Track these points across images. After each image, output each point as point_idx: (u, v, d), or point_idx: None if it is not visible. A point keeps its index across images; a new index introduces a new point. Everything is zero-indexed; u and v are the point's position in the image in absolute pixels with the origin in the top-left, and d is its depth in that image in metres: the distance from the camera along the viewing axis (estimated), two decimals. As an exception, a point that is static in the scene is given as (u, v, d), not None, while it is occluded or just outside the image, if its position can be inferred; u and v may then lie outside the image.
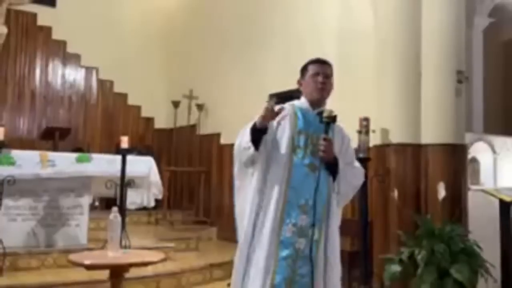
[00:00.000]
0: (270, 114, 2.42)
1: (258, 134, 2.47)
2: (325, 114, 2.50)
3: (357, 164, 2.75)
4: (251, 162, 2.54)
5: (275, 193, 2.49)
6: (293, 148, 2.54)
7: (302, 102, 2.68)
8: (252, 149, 2.47)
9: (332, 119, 2.50)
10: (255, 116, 2.47)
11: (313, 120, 2.58)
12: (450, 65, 4.54)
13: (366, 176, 4.57)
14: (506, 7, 7.17)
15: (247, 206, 2.55)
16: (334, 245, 2.56)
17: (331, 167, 2.54)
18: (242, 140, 2.53)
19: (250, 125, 2.50)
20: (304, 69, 2.69)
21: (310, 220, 2.46)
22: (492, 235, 3.99)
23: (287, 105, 2.66)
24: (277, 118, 2.51)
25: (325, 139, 2.45)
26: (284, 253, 2.45)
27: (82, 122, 9.15)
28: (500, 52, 7.51)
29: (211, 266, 5.26)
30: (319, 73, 2.61)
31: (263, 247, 2.45)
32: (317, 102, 2.63)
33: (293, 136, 2.56)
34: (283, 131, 2.57)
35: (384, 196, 4.61)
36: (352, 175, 2.66)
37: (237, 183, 2.66)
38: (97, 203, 6.87)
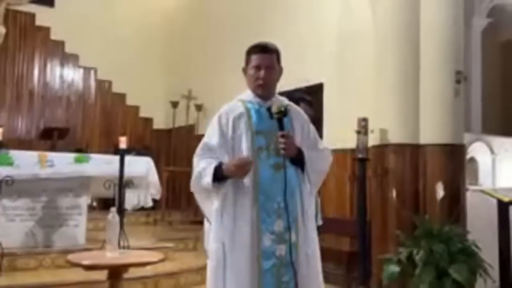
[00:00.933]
0: (248, 169, 2.26)
1: (222, 178, 2.31)
2: (274, 110, 2.30)
3: (321, 145, 2.55)
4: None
5: (247, 203, 2.31)
6: (255, 150, 2.35)
7: (249, 95, 2.50)
8: (212, 188, 2.34)
9: (283, 113, 2.30)
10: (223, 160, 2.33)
11: (266, 115, 2.39)
12: (448, 66, 4.54)
13: (364, 176, 4.62)
14: (504, 8, 7.19)
15: (213, 224, 2.39)
16: (313, 244, 2.40)
17: (297, 160, 2.36)
18: (201, 179, 2.37)
19: (211, 164, 2.34)
20: (247, 56, 2.51)
21: (285, 223, 2.29)
22: (491, 235, 3.99)
23: (234, 106, 2.49)
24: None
25: (282, 136, 2.27)
26: (267, 264, 2.28)
27: (80, 122, 9.15)
28: (499, 53, 7.52)
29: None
30: (260, 66, 2.42)
31: (242, 264, 2.27)
32: (264, 96, 2.45)
33: (252, 138, 2.37)
34: (240, 134, 2.38)
35: (382, 196, 4.61)
36: (319, 161, 2.46)
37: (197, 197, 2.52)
38: (94, 204, 6.85)
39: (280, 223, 2.31)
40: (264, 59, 2.44)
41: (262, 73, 2.43)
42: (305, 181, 2.41)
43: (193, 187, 2.48)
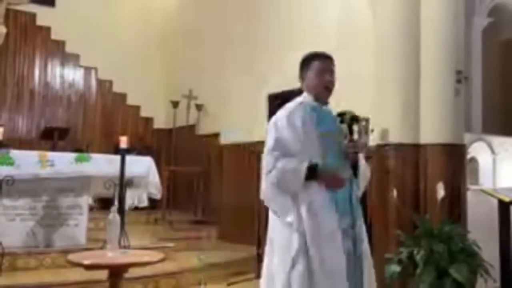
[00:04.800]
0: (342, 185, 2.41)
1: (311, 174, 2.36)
2: (347, 117, 2.46)
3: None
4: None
5: (325, 201, 2.40)
6: (323, 152, 2.43)
7: (308, 99, 2.55)
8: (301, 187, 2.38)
9: (356, 119, 2.47)
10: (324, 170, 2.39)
11: (328, 117, 2.52)
12: (449, 65, 4.54)
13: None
14: (505, 7, 7.18)
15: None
16: (366, 240, 2.58)
17: (356, 165, 2.52)
18: (293, 176, 2.37)
19: (300, 163, 2.36)
20: (307, 64, 2.57)
21: (350, 221, 2.46)
22: (491, 235, 3.99)
23: (299, 106, 2.51)
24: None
25: (351, 141, 2.42)
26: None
27: (81, 122, 9.16)
28: (499, 52, 7.51)
29: (211, 266, 5.25)
30: (326, 70, 2.52)
31: (336, 261, 2.36)
32: (324, 100, 2.56)
33: (319, 139, 2.45)
34: (309, 133, 2.44)
35: (383, 196, 4.61)
36: (366, 169, 2.66)
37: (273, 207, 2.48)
38: (94, 203, 6.85)
39: (345, 220, 2.44)
40: (329, 64, 2.56)
41: (328, 76, 2.52)
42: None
43: (279, 184, 2.40)
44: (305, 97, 2.57)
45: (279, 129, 2.46)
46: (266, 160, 2.44)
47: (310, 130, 2.44)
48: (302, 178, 2.34)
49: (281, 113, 2.52)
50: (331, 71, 2.53)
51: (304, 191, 2.38)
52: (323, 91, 2.53)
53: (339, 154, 2.47)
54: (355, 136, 2.44)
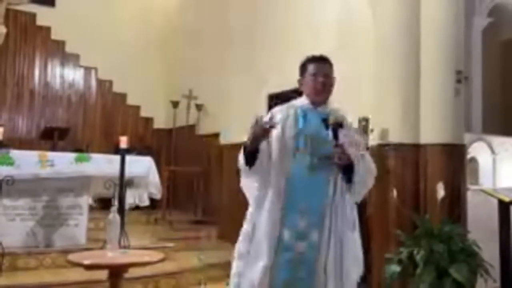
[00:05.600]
0: (261, 133, 2.37)
1: (251, 155, 2.44)
2: (331, 121, 2.44)
3: (368, 158, 2.64)
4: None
5: (274, 196, 2.47)
6: (293, 150, 2.50)
7: (303, 101, 2.63)
8: (248, 168, 2.47)
9: (339, 125, 2.43)
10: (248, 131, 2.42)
11: (315, 120, 2.54)
12: (449, 65, 4.54)
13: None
14: (505, 7, 7.19)
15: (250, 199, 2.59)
16: (347, 250, 2.47)
17: (346, 170, 2.45)
18: (239, 161, 2.53)
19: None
20: (303, 67, 2.64)
21: (309, 223, 2.44)
22: (491, 235, 3.99)
23: (286, 108, 2.62)
24: (276, 127, 2.45)
25: (337, 146, 2.39)
26: (284, 257, 2.42)
27: (81, 122, 9.16)
28: (499, 52, 7.52)
29: (210, 266, 5.25)
30: (318, 73, 2.56)
31: (263, 249, 2.44)
32: (319, 102, 2.59)
33: (293, 138, 2.51)
34: (283, 133, 2.52)
35: (383, 196, 4.61)
36: (366, 173, 2.55)
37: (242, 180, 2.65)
38: (94, 203, 6.85)
39: (303, 221, 2.44)
40: (321, 67, 2.60)
41: (320, 79, 2.56)
42: (345, 189, 2.51)
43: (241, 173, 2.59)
44: (302, 100, 2.64)
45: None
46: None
47: (287, 130, 2.52)
48: (243, 158, 2.47)
49: (270, 111, 2.67)
50: (324, 74, 2.57)
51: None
52: (317, 93, 2.57)
53: (312, 153, 2.48)
54: (341, 140, 2.40)
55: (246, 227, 2.56)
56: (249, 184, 2.59)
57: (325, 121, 2.49)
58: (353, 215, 2.57)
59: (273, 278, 2.41)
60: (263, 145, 2.45)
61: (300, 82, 2.67)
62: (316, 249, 2.43)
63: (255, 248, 2.47)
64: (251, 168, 2.47)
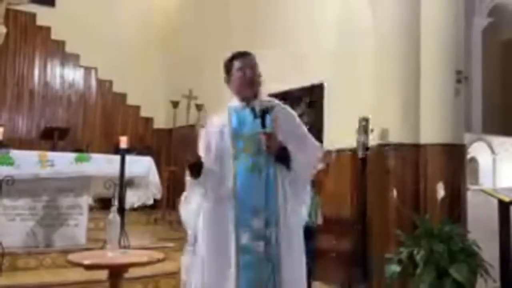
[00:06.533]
0: (195, 164, 2.43)
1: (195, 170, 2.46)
2: (257, 108, 2.41)
3: (309, 141, 2.61)
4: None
5: (225, 202, 2.44)
6: (234, 153, 2.47)
7: (234, 101, 2.60)
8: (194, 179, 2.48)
9: (266, 111, 2.39)
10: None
11: (249, 117, 2.48)
12: (449, 65, 4.54)
13: (364, 175, 4.61)
14: (505, 7, 7.19)
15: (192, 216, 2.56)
16: (291, 244, 2.45)
17: (282, 157, 2.43)
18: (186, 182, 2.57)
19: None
20: (228, 65, 2.63)
21: (263, 222, 2.39)
22: (491, 235, 3.99)
23: (222, 111, 2.62)
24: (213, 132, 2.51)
25: (264, 134, 2.36)
26: (245, 259, 2.38)
27: (81, 122, 9.15)
28: (499, 52, 7.52)
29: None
30: (244, 66, 2.54)
31: (220, 258, 2.40)
32: (249, 97, 2.54)
33: (232, 140, 2.49)
34: (221, 138, 2.52)
35: (383, 196, 4.61)
36: (306, 157, 2.52)
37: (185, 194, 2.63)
38: (94, 203, 6.85)
39: (258, 220, 2.40)
40: (247, 60, 2.58)
41: (248, 71, 2.54)
42: (289, 179, 2.48)
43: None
44: (232, 101, 2.62)
45: (199, 146, 2.63)
46: None
47: (225, 133, 2.53)
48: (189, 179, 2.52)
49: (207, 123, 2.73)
50: (251, 67, 2.55)
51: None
52: (246, 85, 2.54)
53: (254, 151, 2.45)
54: (268, 125, 2.38)
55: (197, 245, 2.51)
56: (191, 206, 2.56)
57: (253, 110, 2.45)
58: (299, 205, 2.55)
59: (238, 282, 2.37)
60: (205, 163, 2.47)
61: (226, 80, 2.66)
62: (273, 246, 2.39)
63: (213, 257, 2.44)
64: (196, 179, 2.47)
